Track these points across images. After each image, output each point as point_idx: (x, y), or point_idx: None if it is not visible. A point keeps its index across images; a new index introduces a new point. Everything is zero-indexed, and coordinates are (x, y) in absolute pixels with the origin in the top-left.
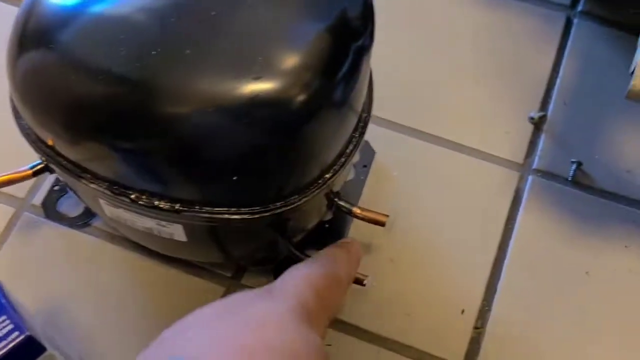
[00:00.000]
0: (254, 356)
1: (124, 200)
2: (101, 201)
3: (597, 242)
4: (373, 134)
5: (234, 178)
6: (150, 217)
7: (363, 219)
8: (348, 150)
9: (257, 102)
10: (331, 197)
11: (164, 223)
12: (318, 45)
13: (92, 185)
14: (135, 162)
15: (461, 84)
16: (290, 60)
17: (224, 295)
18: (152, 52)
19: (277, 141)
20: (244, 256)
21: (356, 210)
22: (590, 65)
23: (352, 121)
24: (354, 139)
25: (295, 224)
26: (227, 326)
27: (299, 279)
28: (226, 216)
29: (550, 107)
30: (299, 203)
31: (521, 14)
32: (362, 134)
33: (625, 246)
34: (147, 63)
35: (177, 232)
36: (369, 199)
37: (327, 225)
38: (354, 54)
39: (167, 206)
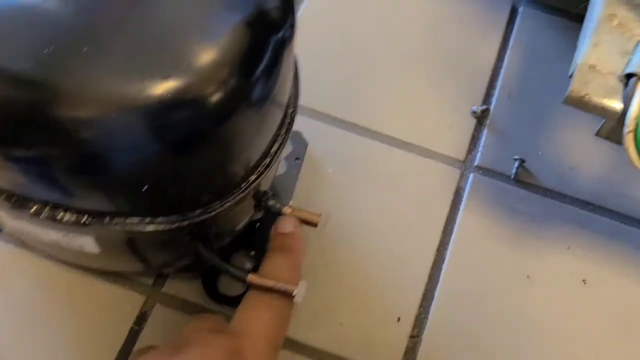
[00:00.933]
0: None
1: (25, 213)
2: (0, 212)
3: (539, 244)
4: (308, 127)
5: (145, 187)
6: (56, 229)
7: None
8: (273, 150)
9: (166, 103)
10: (259, 198)
11: (71, 235)
12: (234, 39)
13: None
14: (32, 171)
15: (402, 76)
16: (204, 56)
17: (145, 304)
18: (45, 50)
19: (191, 145)
20: (164, 266)
21: (286, 210)
22: (535, 57)
23: (277, 118)
24: (279, 137)
25: (220, 229)
26: None
27: (259, 340)
28: (140, 228)
29: (494, 100)
30: (220, 209)
31: (466, 3)
32: (289, 130)
33: (568, 248)
34: (40, 62)
35: (87, 244)
36: (303, 194)
37: (258, 225)
38: (274, 47)
39: (72, 219)
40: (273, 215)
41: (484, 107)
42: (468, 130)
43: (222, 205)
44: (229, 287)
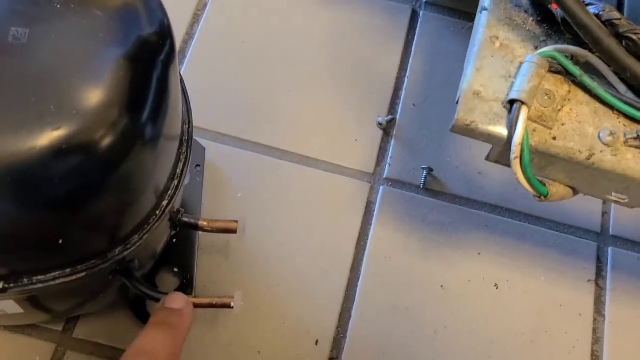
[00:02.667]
0: None
1: None
2: None
3: (450, 252)
4: (213, 150)
5: (60, 242)
6: None
7: (212, 230)
8: (179, 170)
9: (62, 154)
10: (174, 218)
11: None
12: (118, 76)
13: None
14: None
15: (304, 91)
16: (90, 100)
17: (56, 352)
18: None
19: (97, 190)
20: (93, 305)
21: (202, 223)
22: (438, 62)
23: (175, 140)
24: (181, 156)
25: (141, 259)
26: None
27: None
28: (62, 279)
29: (399, 110)
30: (140, 242)
31: (367, 10)
32: (189, 146)
33: (479, 253)
34: None
35: (9, 307)
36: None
37: (174, 240)
38: (161, 73)
39: None
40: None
41: (390, 117)
42: (375, 142)
43: (140, 238)
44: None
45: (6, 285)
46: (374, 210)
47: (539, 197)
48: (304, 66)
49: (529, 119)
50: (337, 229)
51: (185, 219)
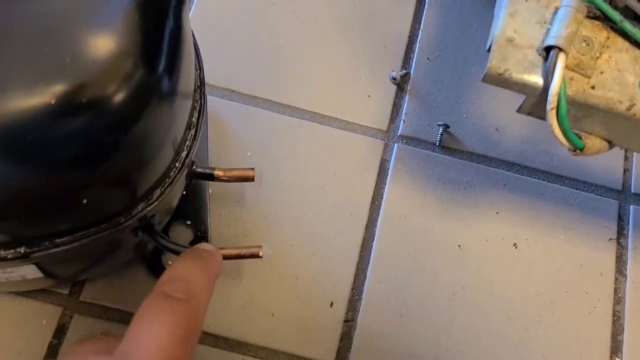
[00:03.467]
0: None
1: None
2: None
3: (468, 212)
4: (223, 108)
5: (84, 201)
6: None
7: (229, 179)
8: (194, 119)
9: (82, 109)
10: (190, 169)
11: (10, 269)
12: (132, 22)
13: None
14: None
15: (315, 45)
16: (108, 50)
17: (62, 316)
18: None
19: (118, 146)
20: (110, 265)
21: (218, 173)
22: (453, 14)
23: (190, 89)
24: (196, 104)
25: (161, 213)
26: None
27: (152, 352)
28: (86, 240)
29: (413, 63)
30: (162, 196)
31: None
32: (203, 94)
33: (497, 212)
34: None
35: (29, 272)
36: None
37: (184, 193)
38: (174, 19)
39: (10, 254)
40: (198, 182)
41: (404, 71)
42: (389, 98)
43: (162, 192)
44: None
45: (28, 250)
46: (388, 169)
47: (574, 151)
48: (315, 20)
49: (566, 67)
50: (350, 188)
51: (200, 170)
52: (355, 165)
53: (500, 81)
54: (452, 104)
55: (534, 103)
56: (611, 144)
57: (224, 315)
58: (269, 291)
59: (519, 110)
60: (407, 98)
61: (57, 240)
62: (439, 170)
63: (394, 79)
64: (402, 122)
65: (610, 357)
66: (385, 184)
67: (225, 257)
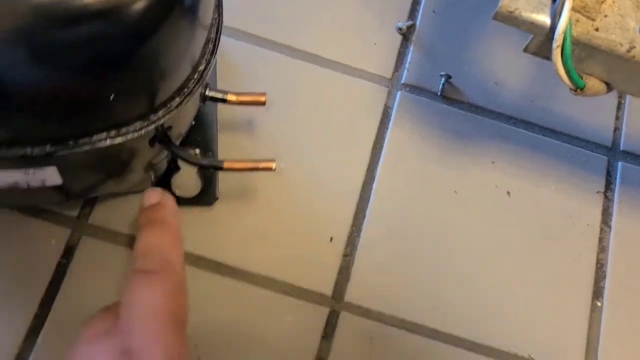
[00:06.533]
0: None
1: None
2: None
3: (465, 159)
4: (230, 47)
5: (110, 98)
6: (16, 169)
7: (241, 103)
8: (212, 35)
9: (109, 11)
10: (204, 92)
11: (32, 171)
12: None
13: None
14: None
15: None
16: None
17: (71, 237)
18: None
19: (145, 49)
20: (120, 184)
21: (231, 97)
22: None
23: (211, 4)
24: (214, 21)
25: (175, 130)
26: None
27: (146, 319)
28: (107, 143)
29: (419, 15)
30: (180, 106)
31: None
32: (221, 12)
33: (493, 162)
34: None
35: (50, 176)
36: (227, 125)
37: (194, 123)
38: None
39: (35, 152)
40: (208, 111)
41: (410, 22)
42: (394, 47)
43: (181, 102)
44: (181, 190)
45: (53, 148)
46: (391, 115)
47: (575, 90)
48: None
49: (573, 9)
50: (354, 131)
51: (212, 93)
52: (360, 109)
53: (510, 19)
54: (454, 57)
55: (541, 42)
56: (609, 87)
57: (227, 244)
58: (272, 224)
59: (526, 49)
60: (411, 48)
61: (81, 140)
62: (440, 119)
63: (400, 29)
64: (406, 70)
65: (592, 301)
66: (387, 129)
67: (240, 169)
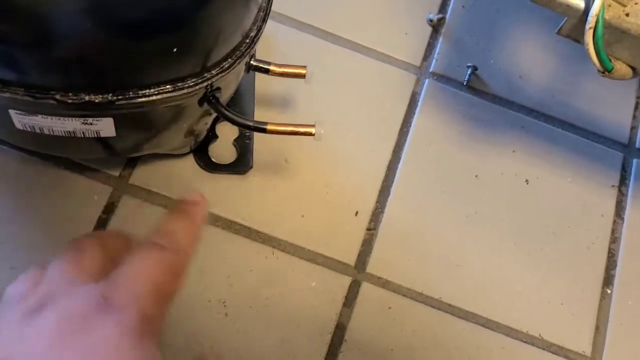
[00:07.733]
0: None
1: (47, 104)
2: (12, 112)
3: (487, 147)
4: (271, 30)
5: (174, 50)
6: (76, 116)
7: (282, 74)
8: (264, 3)
9: None
10: (250, 59)
11: (91, 120)
12: None
13: (5, 95)
14: (51, 58)
15: None
16: None
17: (112, 195)
18: None
19: (207, 5)
20: (162, 144)
21: (273, 68)
22: None
23: None
24: None
25: (224, 92)
26: None
27: (137, 283)
28: (164, 95)
29: (449, 9)
30: (232, 67)
31: None
32: None
33: (513, 151)
34: None
35: (106, 127)
36: (259, 99)
37: (233, 95)
38: None
39: (99, 99)
40: (247, 81)
41: (440, 15)
42: (424, 37)
43: (233, 63)
44: (218, 158)
45: (114, 97)
46: (418, 101)
47: (603, 72)
48: None
49: None
50: (383, 113)
51: (256, 63)
52: (389, 94)
53: (547, 1)
54: (481, 50)
55: (573, 25)
56: (635, 72)
57: (259, 211)
58: (301, 195)
59: (559, 31)
60: (440, 40)
61: (140, 92)
62: (464, 108)
63: (431, 20)
64: (434, 60)
65: (602, 288)
66: (415, 114)
67: (282, 132)
